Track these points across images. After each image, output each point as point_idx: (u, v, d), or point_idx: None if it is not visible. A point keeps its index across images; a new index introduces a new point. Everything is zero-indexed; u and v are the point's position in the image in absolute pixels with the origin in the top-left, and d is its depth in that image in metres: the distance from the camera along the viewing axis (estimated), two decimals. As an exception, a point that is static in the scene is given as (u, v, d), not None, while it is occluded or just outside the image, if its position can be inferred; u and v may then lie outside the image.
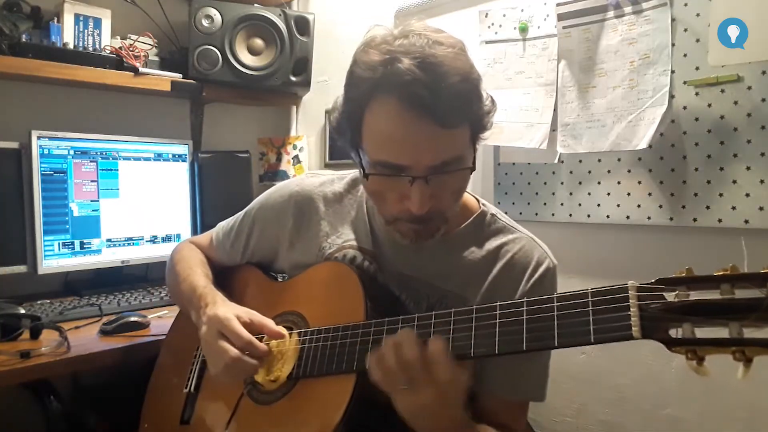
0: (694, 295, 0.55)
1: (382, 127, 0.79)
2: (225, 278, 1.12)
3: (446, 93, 0.75)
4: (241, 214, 1.15)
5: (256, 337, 0.89)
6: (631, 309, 0.58)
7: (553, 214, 1.48)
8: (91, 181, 1.69)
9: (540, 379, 0.91)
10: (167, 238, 1.84)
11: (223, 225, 1.18)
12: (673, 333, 0.56)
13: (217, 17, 1.81)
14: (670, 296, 0.56)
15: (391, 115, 0.77)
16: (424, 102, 0.74)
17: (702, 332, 0.54)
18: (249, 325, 0.89)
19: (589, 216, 1.42)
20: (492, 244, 0.94)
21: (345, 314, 0.86)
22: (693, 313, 0.55)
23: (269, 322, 0.90)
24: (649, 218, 1.31)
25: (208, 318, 0.91)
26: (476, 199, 1.00)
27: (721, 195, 1.20)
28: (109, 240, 1.72)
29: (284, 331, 0.92)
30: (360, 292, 0.87)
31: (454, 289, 0.92)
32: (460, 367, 0.70)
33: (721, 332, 0.53)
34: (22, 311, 1.26)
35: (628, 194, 1.34)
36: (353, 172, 1.08)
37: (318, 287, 0.96)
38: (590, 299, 0.63)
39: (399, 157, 0.78)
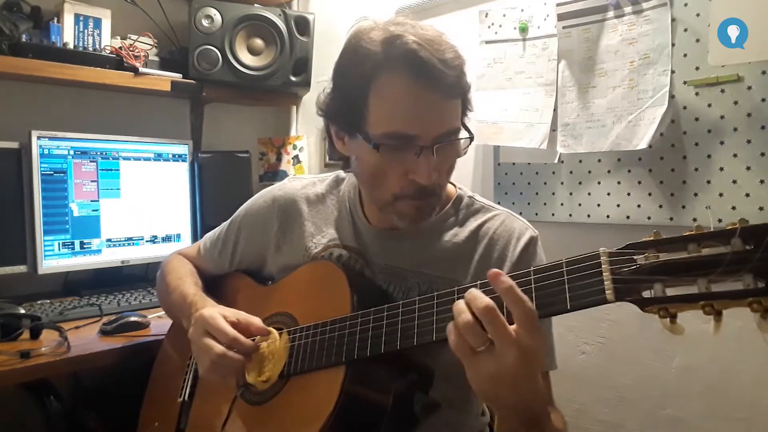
0: (663, 257, 0.57)
1: (393, 98, 0.81)
2: (215, 286, 1.13)
3: (448, 64, 0.81)
4: (226, 222, 1.16)
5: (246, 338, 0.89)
6: (604, 274, 0.60)
7: (553, 214, 1.48)
8: (91, 181, 1.68)
9: (550, 348, 0.92)
10: (167, 238, 1.84)
11: (210, 235, 1.19)
12: (646, 294, 0.57)
13: (217, 17, 1.81)
14: (641, 259, 0.58)
15: (401, 85, 0.80)
16: (432, 71, 0.79)
17: (673, 291, 0.56)
18: (236, 325, 0.89)
19: (589, 216, 1.42)
20: (473, 224, 0.96)
21: (332, 310, 0.87)
22: (663, 273, 0.56)
23: (255, 320, 0.91)
24: (649, 218, 1.31)
25: (194, 318, 0.92)
26: (452, 183, 1.01)
27: (721, 195, 1.20)
28: (109, 240, 1.72)
29: (272, 329, 0.92)
30: (346, 286, 0.87)
31: (443, 274, 0.93)
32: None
33: (691, 289, 0.54)
34: (22, 311, 1.26)
35: (628, 194, 1.34)
36: (334, 174, 1.10)
37: (305, 286, 0.97)
38: (565, 269, 0.64)
39: (409, 126, 0.81)
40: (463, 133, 0.87)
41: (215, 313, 0.90)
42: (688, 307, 0.55)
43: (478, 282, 0.70)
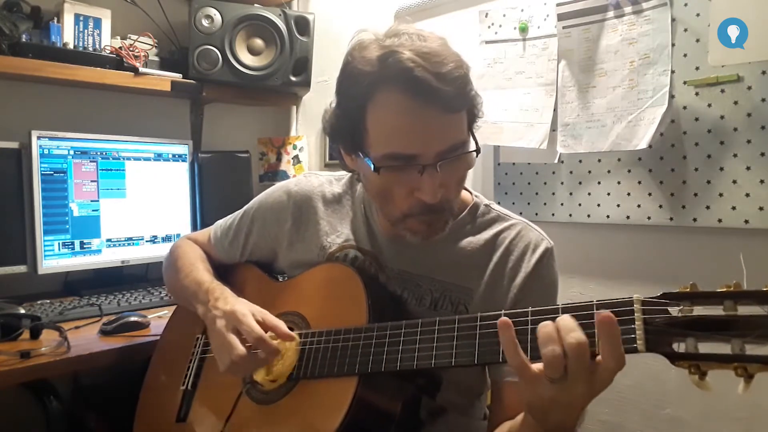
0: (698, 311, 0.56)
1: (389, 119, 0.80)
2: (225, 276, 1.12)
3: (446, 78, 0.77)
4: (239, 213, 1.15)
5: None
6: (636, 322, 0.59)
7: (553, 214, 1.48)
8: (91, 181, 1.68)
9: None
10: (167, 238, 1.84)
11: (221, 224, 1.18)
12: (676, 347, 0.56)
13: (217, 17, 1.81)
14: (674, 311, 0.57)
15: (397, 105, 0.78)
16: (428, 88, 0.76)
17: (705, 347, 0.55)
18: (261, 325, 0.88)
19: (589, 216, 1.42)
20: (489, 233, 0.95)
21: (347, 317, 0.86)
22: (696, 328, 0.55)
23: (281, 324, 0.90)
24: (649, 218, 1.31)
25: (224, 312, 0.91)
26: (468, 191, 1.01)
27: (721, 195, 1.20)
28: (109, 240, 1.72)
29: (295, 335, 0.90)
30: (362, 294, 0.86)
31: (456, 282, 0.92)
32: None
33: (724, 348, 0.53)
34: (22, 311, 1.26)
35: (628, 194, 1.34)
36: (350, 174, 1.08)
37: (320, 288, 0.96)
38: (595, 311, 0.62)
39: (408, 146, 0.79)
40: (470, 145, 0.85)
41: (247, 310, 0.89)
42: (720, 367, 0.54)
43: (503, 312, 0.69)
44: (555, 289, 0.94)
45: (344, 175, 1.08)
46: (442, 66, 0.77)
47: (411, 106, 0.77)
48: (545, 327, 0.63)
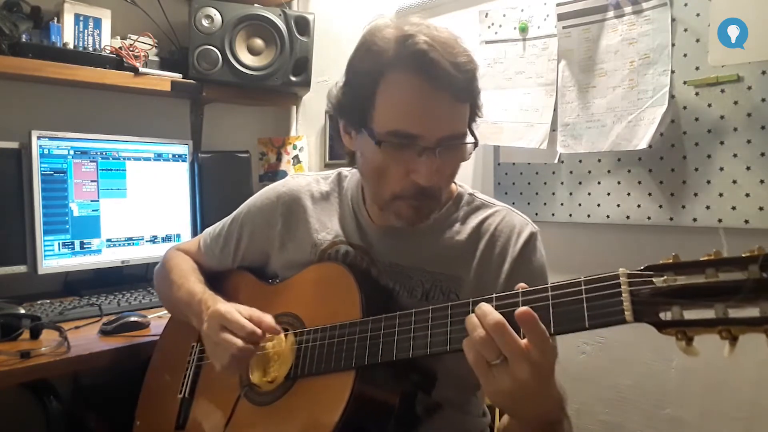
0: (682, 280, 0.58)
1: (400, 97, 0.82)
2: (217, 283, 1.12)
3: (460, 68, 0.81)
4: (228, 218, 1.15)
5: None
6: (623, 294, 0.61)
7: (553, 214, 1.48)
8: (91, 181, 1.68)
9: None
10: (167, 238, 1.84)
11: (210, 231, 1.18)
12: (663, 316, 0.58)
13: (217, 17, 1.81)
14: (659, 281, 0.59)
15: (410, 85, 0.81)
16: (443, 73, 0.79)
17: (690, 314, 0.57)
18: (248, 320, 0.89)
19: (589, 216, 1.42)
20: (474, 221, 0.97)
21: (342, 313, 0.86)
22: (681, 296, 0.57)
23: (267, 318, 0.91)
24: (649, 218, 1.31)
25: (208, 315, 0.92)
26: (453, 182, 1.01)
27: (721, 195, 1.20)
28: (109, 240, 1.72)
29: (281, 329, 0.91)
30: (355, 290, 0.87)
31: (445, 271, 0.93)
32: (550, 338, 0.65)
33: (708, 313, 0.56)
34: (22, 311, 1.26)
35: (628, 194, 1.34)
36: (336, 172, 1.10)
37: (313, 288, 0.97)
38: (583, 287, 0.65)
39: (413, 126, 0.81)
40: (469, 138, 0.87)
41: (231, 308, 0.91)
42: (706, 331, 0.56)
43: (494, 295, 0.71)
44: (543, 271, 0.95)
45: (330, 173, 1.10)
46: (456, 56, 0.81)
47: (423, 87, 0.80)
48: (470, 318, 0.67)
